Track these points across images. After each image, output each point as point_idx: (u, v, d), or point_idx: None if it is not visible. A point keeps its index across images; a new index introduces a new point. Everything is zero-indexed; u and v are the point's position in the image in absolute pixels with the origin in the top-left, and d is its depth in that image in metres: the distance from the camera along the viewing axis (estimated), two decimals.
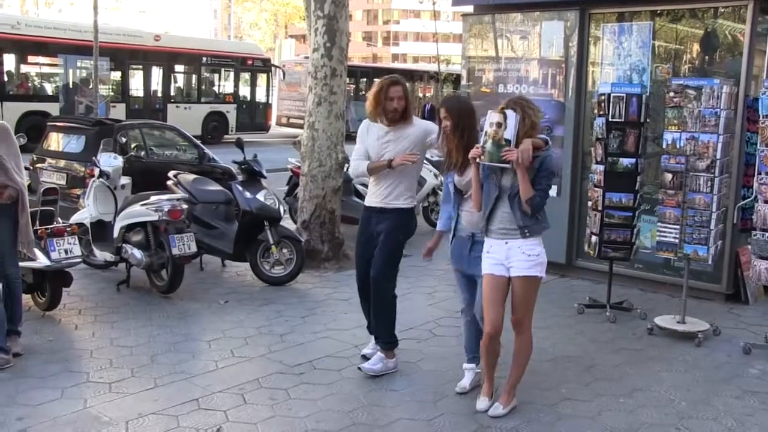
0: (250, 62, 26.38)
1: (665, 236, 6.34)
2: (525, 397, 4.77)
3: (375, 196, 5.23)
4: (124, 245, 6.99)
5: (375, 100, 5.14)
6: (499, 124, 4.27)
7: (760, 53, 7.15)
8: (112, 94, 22.17)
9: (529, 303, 4.53)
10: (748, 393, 5.12)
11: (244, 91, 26.77)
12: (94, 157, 7.65)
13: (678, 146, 6.20)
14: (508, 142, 4.24)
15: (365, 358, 5.39)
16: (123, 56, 22.10)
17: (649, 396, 4.98)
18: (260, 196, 7.46)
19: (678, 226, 6.25)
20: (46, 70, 22.22)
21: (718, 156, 6.07)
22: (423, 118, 20.53)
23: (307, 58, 8.74)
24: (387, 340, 5.26)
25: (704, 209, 6.13)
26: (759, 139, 5.85)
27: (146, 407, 4.58)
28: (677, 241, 6.27)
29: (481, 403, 4.67)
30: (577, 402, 4.85)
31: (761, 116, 5.78)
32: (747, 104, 6.86)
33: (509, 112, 4.28)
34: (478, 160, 4.36)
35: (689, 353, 5.89)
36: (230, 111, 25.42)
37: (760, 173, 5.81)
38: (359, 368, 5.21)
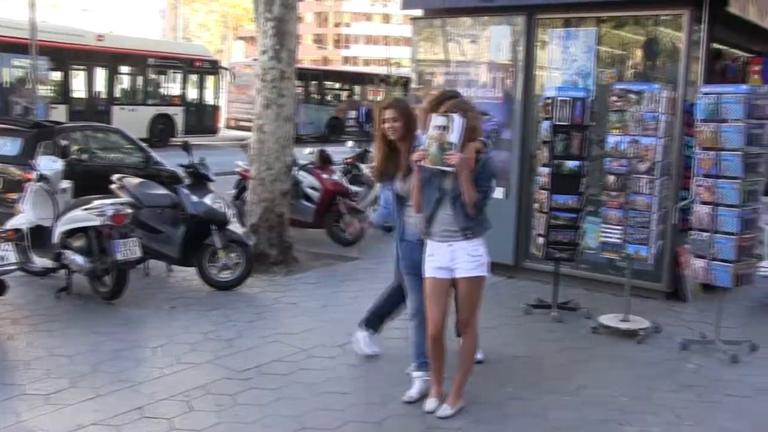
0: (198, 64, 26.13)
1: (609, 237, 6.47)
2: (472, 397, 4.82)
3: None
4: (64, 251, 6.85)
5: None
6: (444, 128, 4.31)
7: (696, 60, 7.35)
8: (53, 95, 21.65)
9: (475, 303, 4.58)
10: (685, 387, 5.28)
11: (192, 93, 26.48)
12: (31, 161, 7.50)
13: (620, 149, 6.33)
14: (452, 145, 4.28)
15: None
16: (64, 56, 21.55)
17: (593, 393, 5.08)
18: (207, 200, 7.40)
19: (621, 227, 6.39)
20: None
21: (659, 159, 6.21)
22: (359, 121, 20.66)
23: (256, 60, 8.70)
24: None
25: (645, 210, 6.27)
26: (695, 143, 6.01)
27: (86, 418, 4.46)
28: (620, 241, 6.41)
29: (430, 404, 4.71)
30: (523, 401, 4.92)
31: (697, 120, 5.94)
32: (685, 109, 7.05)
33: (455, 116, 4.31)
34: (421, 163, 4.39)
35: (631, 350, 6.03)
36: (178, 113, 25.12)
37: (697, 175, 5.96)
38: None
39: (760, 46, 9.95)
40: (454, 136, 4.28)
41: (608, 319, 6.52)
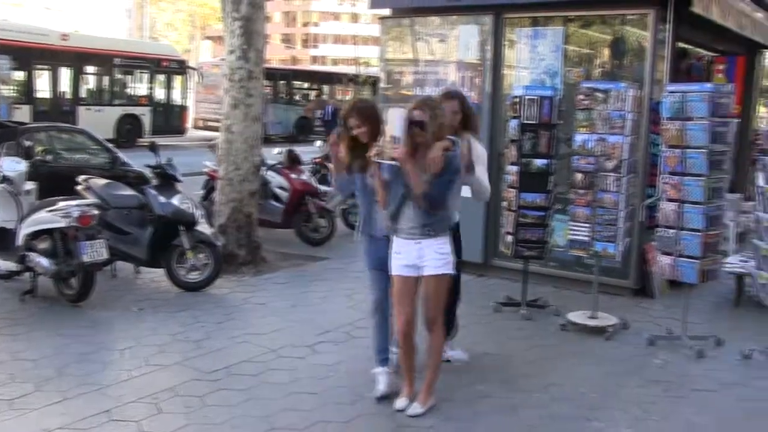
0: (165, 64, 25.86)
1: (577, 235, 6.53)
2: (442, 395, 4.83)
3: None
4: (29, 253, 6.75)
5: None
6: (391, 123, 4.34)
7: (662, 59, 7.44)
8: (16, 95, 21.30)
9: (441, 300, 4.58)
10: (652, 382, 5.34)
11: (160, 93, 26.22)
12: None
13: (588, 147, 6.38)
14: (395, 139, 4.29)
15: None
16: (27, 55, 21.16)
17: (563, 390, 5.11)
18: (175, 201, 7.33)
19: (589, 225, 6.44)
20: None
21: (625, 156, 6.28)
22: (325, 121, 20.56)
23: (224, 60, 8.64)
24: None
25: (612, 208, 6.33)
26: (662, 141, 6.07)
27: (52, 422, 4.39)
28: (588, 239, 6.46)
29: (400, 402, 4.71)
30: (493, 398, 4.94)
31: (663, 118, 6.01)
32: (651, 107, 7.13)
33: (393, 111, 4.34)
34: (377, 158, 4.39)
35: (599, 347, 6.08)
36: (145, 114, 24.85)
37: (663, 173, 6.03)
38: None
39: (724, 46, 10.11)
40: (396, 130, 4.30)
41: (577, 317, 6.57)
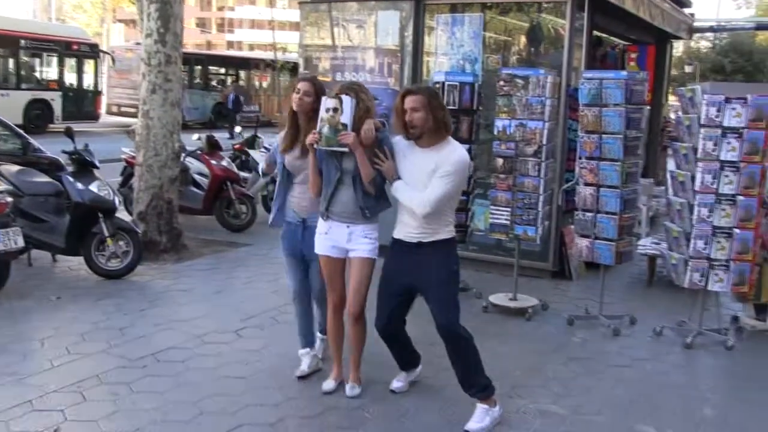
0: (75, 47, 25.05)
1: (498, 218, 6.67)
2: (371, 376, 4.89)
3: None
4: None
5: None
6: (335, 109, 4.34)
7: (579, 47, 7.65)
8: None
9: (366, 284, 4.61)
10: (572, 360, 5.55)
11: (70, 77, 25.40)
12: None
13: (508, 133, 6.52)
14: (344, 126, 4.32)
15: (393, 392, 4.86)
16: None
17: (487, 369, 5.16)
18: (93, 187, 7.15)
19: (509, 209, 6.59)
20: None
21: (545, 142, 6.44)
22: (228, 108, 20.24)
23: (138, 44, 8.50)
24: (483, 387, 4.52)
25: (533, 192, 6.50)
26: (579, 126, 6.26)
27: None
28: (509, 222, 6.61)
29: (327, 384, 4.76)
30: (419, 379, 5.01)
31: (581, 105, 6.19)
32: (569, 93, 7.33)
33: (345, 98, 4.34)
34: (315, 145, 4.41)
35: (521, 327, 6.27)
36: (55, 98, 24.06)
37: (580, 158, 6.23)
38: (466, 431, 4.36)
39: (636, 35, 10.46)
40: (345, 117, 4.32)
41: (498, 298, 6.73)
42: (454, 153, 4.28)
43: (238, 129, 13.37)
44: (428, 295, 4.42)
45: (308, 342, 5.09)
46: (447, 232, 4.40)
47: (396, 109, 4.38)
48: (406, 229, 4.41)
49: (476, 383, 4.48)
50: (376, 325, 4.61)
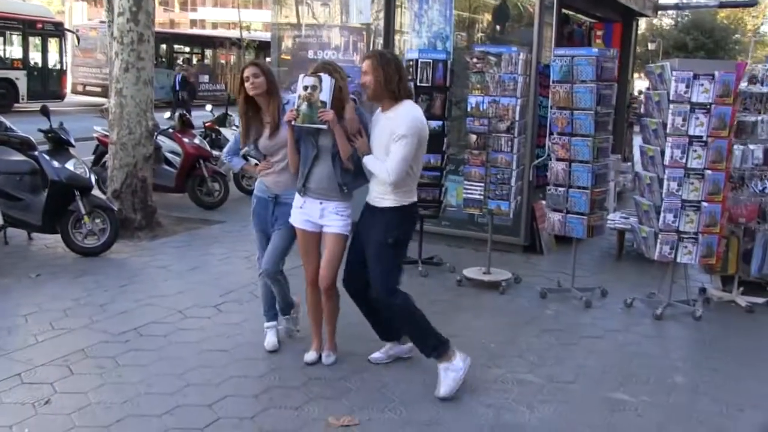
0: (39, 26, 24.64)
1: (471, 194, 6.79)
2: (350, 349, 5.01)
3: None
4: None
5: None
6: (314, 87, 4.42)
7: (549, 25, 7.78)
8: None
9: (338, 258, 4.72)
10: (546, 331, 5.71)
11: (35, 56, 24.99)
12: None
13: (481, 109, 6.64)
14: (323, 104, 4.41)
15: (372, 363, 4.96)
16: None
17: (463, 341, 5.33)
18: (69, 165, 7.16)
19: (482, 184, 6.72)
20: None
21: (517, 118, 6.57)
22: (174, 89, 20.08)
23: (103, 22, 8.53)
24: (432, 347, 4.62)
25: (506, 167, 6.63)
26: (550, 103, 6.40)
27: None
28: (482, 197, 6.75)
29: (309, 356, 4.87)
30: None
31: (552, 81, 6.32)
32: (539, 70, 7.46)
33: (324, 76, 4.43)
34: (293, 122, 4.48)
35: (495, 300, 6.42)
36: (20, 78, 23.70)
37: (552, 133, 6.37)
38: (440, 398, 4.43)
39: (603, 12, 10.61)
40: (324, 95, 4.41)
41: (472, 272, 6.88)
42: (406, 116, 4.40)
43: (209, 107, 13.30)
44: (368, 258, 4.57)
45: (271, 316, 5.18)
46: (399, 199, 4.49)
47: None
48: (370, 194, 4.61)
49: (426, 345, 4.61)
50: (343, 281, 4.78)
